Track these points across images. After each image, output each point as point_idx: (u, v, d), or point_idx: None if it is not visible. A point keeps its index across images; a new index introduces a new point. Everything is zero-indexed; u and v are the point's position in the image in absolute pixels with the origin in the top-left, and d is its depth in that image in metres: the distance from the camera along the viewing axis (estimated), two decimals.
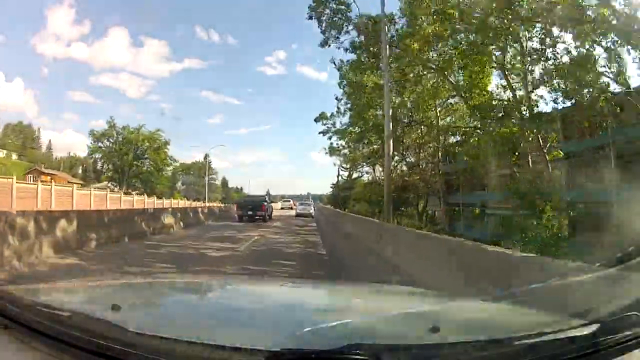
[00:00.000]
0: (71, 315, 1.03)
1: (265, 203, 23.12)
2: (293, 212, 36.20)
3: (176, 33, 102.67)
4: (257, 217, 21.77)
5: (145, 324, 0.97)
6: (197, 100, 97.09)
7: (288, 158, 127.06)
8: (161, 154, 58.56)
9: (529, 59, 15.15)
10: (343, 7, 18.51)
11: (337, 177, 53.84)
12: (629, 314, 1.05)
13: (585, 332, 1.00)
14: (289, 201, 50.67)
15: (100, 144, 57.00)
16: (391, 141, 13.92)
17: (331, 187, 62.14)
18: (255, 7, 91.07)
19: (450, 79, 19.32)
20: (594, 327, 1.02)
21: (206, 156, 68.80)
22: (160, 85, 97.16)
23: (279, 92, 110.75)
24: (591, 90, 12.93)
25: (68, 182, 45.20)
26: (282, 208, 43.36)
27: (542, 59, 14.39)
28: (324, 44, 19.34)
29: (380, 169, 30.43)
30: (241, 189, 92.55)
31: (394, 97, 20.68)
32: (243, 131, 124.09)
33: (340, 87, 26.20)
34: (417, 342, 0.94)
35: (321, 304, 1.83)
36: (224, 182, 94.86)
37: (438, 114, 24.50)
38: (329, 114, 31.90)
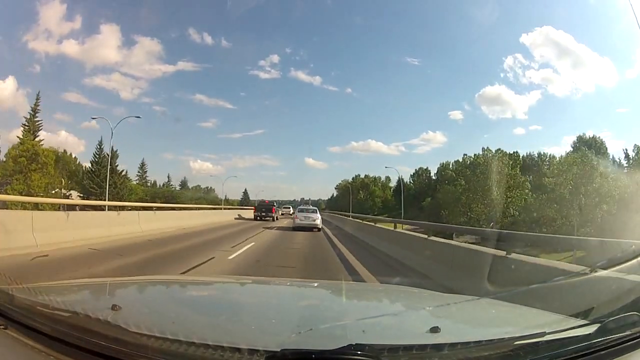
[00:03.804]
0: (71, 315, 1.03)
1: (275, 207, 30.57)
2: (285, 222, 27.13)
3: (170, 35, 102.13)
4: (267, 218, 28.49)
5: (145, 324, 0.97)
6: (190, 104, 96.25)
7: (282, 163, 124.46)
8: None
9: None
10: None
11: None
12: (629, 314, 1.05)
13: (585, 332, 1.01)
14: (289, 207, 47.08)
15: None
16: None
17: None
18: (250, 10, 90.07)
19: None
20: (594, 327, 1.02)
21: None
22: (153, 88, 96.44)
23: (272, 96, 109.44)
24: None
25: None
26: (282, 214, 40.32)
27: None
28: None
29: None
30: (211, 189, 75.99)
31: None
32: (236, 135, 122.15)
33: None
34: (417, 342, 0.94)
35: (321, 304, 1.82)
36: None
37: None
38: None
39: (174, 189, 69.62)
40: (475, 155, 49.20)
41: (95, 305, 1.43)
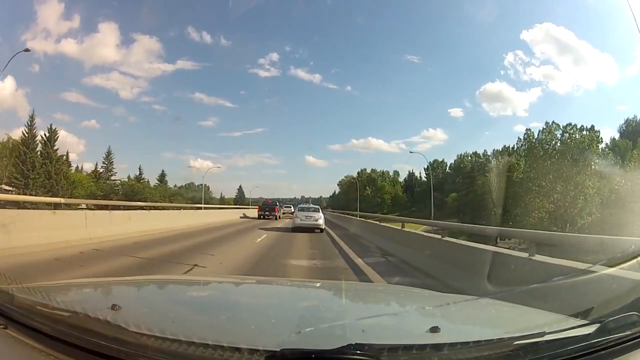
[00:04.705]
0: (71, 315, 1.03)
1: (277, 206, 33.58)
2: (282, 222, 25.06)
3: (169, 33, 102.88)
4: (270, 216, 31.13)
5: (145, 324, 0.97)
6: (190, 103, 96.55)
7: (282, 162, 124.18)
8: None
9: None
10: None
11: None
12: (628, 314, 1.05)
13: (585, 332, 1.01)
14: (290, 207, 44.64)
15: None
16: None
17: None
18: (249, 8, 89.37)
19: None
20: (593, 327, 1.02)
21: None
22: (152, 87, 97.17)
23: (272, 95, 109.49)
24: None
25: None
26: (283, 213, 38.29)
27: None
28: None
29: None
30: (204, 187, 60.34)
31: None
32: (236, 134, 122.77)
33: None
34: (416, 341, 0.94)
35: (321, 304, 1.82)
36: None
37: None
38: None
39: (133, 182, 53.78)
40: (541, 131, 38.38)
41: (95, 305, 1.43)
